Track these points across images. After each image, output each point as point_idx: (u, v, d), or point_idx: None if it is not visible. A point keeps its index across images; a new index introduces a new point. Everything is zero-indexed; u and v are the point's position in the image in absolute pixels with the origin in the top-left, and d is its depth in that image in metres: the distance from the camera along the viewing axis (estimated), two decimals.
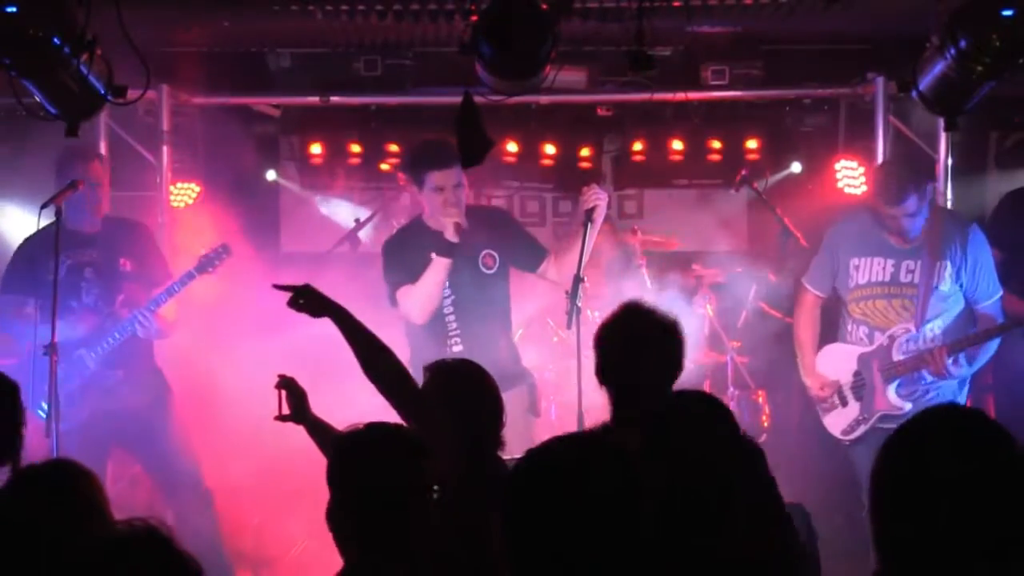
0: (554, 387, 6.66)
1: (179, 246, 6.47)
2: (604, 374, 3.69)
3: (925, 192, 5.45)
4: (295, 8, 6.13)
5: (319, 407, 4.05)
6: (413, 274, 5.32)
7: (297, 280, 4.03)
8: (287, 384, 4.03)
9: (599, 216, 5.15)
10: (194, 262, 5.74)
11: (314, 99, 7.16)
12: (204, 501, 5.83)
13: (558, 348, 6.87)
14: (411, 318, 5.36)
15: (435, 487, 2.94)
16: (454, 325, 5.40)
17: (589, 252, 5.11)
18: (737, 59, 7.12)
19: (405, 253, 5.41)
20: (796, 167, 7.62)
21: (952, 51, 4.83)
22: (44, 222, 5.47)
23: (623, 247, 7.09)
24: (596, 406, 4.73)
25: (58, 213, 5.32)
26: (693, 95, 6.95)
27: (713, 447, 3.11)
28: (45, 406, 5.19)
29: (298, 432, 4.04)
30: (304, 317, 4.01)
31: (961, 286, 5.53)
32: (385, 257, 5.50)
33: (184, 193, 7.20)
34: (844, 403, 5.72)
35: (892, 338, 5.56)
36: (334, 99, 7.15)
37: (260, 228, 7.61)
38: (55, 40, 4.53)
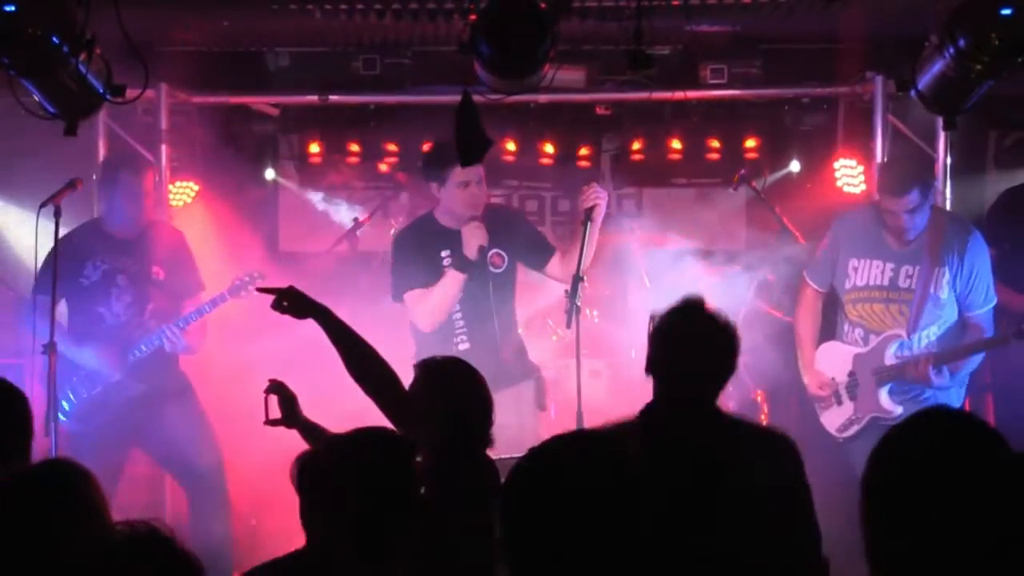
0: (553, 386, 6.65)
1: None
2: (656, 366, 3.48)
3: (928, 189, 5.45)
4: (294, 7, 6.13)
5: (319, 407, 4.04)
6: (423, 275, 5.34)
7: (297, 280, 4.02)
8: (276, 388, 4.02)
9: (599, 215, 5.16)
10: (227, 284, 5.77)
11: (313, 98, 7.14)
12: (222, 500, 5.84)
13: (557, 347, 6.87)
14: (419, 325, 5.38)
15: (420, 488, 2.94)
16: (461, 323, 5.41)
17: (590, 251, 5.10)
18: (736, 58, 7.12)
19: (417, 252, 5.41)
20: (795, 166, 7.60)
21: (951, 50, 4.82)
22: (43, 222, 5.45)
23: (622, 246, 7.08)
24: (596, 406, 4.72)
25: (57, 213, 5.31)
26: (692, 94, 6.95)
27: (712, 444, 3.12)
28: (66, 406, 5.20)
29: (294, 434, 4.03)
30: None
31: (955, 291, 5.52)
32: (395, 252, 5.51)
33: (183, 192, 7.19)
34: (839, 402, 5.73)
35: (886, 342, 5.56)
36: (333, 98, 7.13)
37: (259, 227, 7.60)
38: (54, 39, 4.52)
